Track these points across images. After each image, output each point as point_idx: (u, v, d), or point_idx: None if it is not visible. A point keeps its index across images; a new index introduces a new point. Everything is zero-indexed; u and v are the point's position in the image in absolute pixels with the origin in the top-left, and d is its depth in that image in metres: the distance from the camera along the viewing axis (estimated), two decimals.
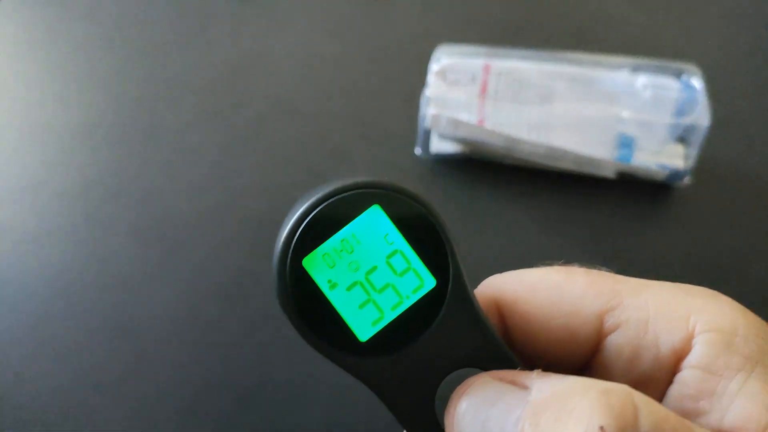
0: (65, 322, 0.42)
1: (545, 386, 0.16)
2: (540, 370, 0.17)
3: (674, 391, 0.17)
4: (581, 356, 0.19)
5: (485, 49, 0.49)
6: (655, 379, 0.18)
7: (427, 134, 0.47)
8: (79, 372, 0.40)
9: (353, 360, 0.18)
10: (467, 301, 0.19)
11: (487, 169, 0.47)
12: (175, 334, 0.41)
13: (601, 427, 0.13)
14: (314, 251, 0.18)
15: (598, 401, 0.14)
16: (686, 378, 0.17)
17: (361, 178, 0.19)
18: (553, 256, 0.50)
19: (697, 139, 0.44)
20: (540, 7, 0.57)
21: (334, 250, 0.18)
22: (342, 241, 0.18)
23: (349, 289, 0.18)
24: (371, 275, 0.18)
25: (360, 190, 0.18)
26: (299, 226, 0.18)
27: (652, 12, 0.57)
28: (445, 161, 0.48)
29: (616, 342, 0.18)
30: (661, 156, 0.46)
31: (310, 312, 0.18)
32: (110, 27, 0.56)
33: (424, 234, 0.18)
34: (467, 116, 0.46)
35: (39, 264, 0.44)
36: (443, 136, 0.47)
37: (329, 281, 0.18)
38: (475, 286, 0.20)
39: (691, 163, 0.45)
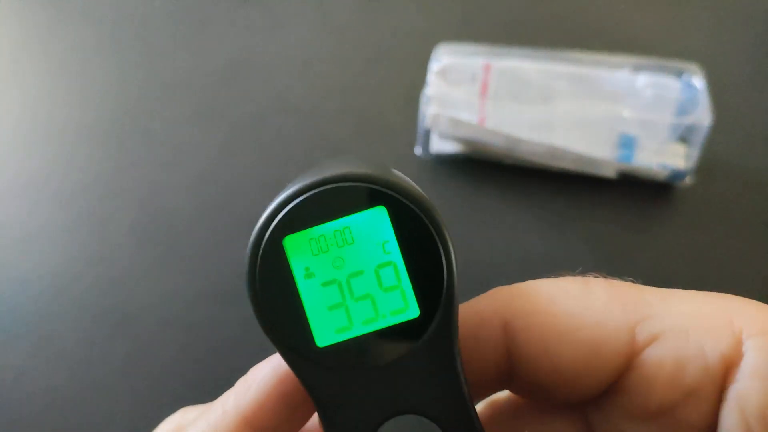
0: (64, 321, 0.42)
1: None
2: None
3: (732, 408, 0.15)
4: (605, 376, 0.17)
5: (486, 48, 0.49)
6: (704, 393, 0.16)
7: (427, 134, 0.47)
8: (78, 371, 0.40)
9: (302, 363, 0.16)
10: (447, 349, 0.16)
11: (487, 169, 0.47)
12: (174, 333, 0.41)
13: None
14: (300, 233, 0.16)
15: None
16: (746, 391, 0.15)
17: (374, 172, 0.16)
18: (554, 257, 0.50)
19: (699, 139, 0.44)
20: (540, 7, 0.57)
21: (323, 237, 0.16)
22: (335, 232, 0.16)
23: (324, 285, 0.16)
24: (354, 279, 0.16)
25: (371, 186, 0.16)
26: (292, 201, 0.16)
27: (653, 11, 0.56)
28: (446, 161, 0.48)
29: (656, 355, 0.16)
30: (662, 156, 0.45)
31: (273, 298, 0.16)
32: (109, 27, 0.56)
33: (425, 258, 0.16)
34: (468, 116, 0.46)
35: (38, 263, 0.44)
36: (443, 136, 0.47)
37: (306, 269, 0.16)
38: (473, 290, 0.18)
39: (692, 162, 0.45)
